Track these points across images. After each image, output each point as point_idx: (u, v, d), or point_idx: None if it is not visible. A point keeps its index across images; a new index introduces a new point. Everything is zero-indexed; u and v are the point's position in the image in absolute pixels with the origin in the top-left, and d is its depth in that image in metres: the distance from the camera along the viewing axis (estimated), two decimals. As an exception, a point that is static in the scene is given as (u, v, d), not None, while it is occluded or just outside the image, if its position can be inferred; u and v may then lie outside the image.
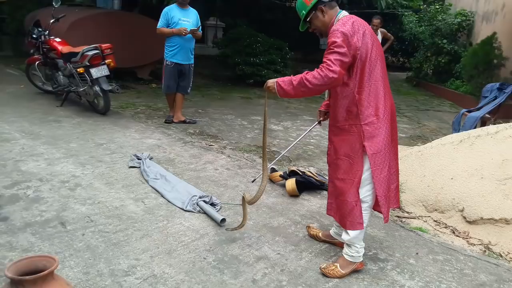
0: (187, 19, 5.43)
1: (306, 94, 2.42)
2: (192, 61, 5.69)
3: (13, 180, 3.49)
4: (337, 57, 2.27)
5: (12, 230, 2.75)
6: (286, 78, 2.44)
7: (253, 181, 3.05)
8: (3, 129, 4.75)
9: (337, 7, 2.53)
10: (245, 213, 2.89)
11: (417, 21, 12.53)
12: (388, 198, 2.52)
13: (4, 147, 4.19)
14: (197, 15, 5.58)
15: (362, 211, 2.51)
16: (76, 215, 3.02)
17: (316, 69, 2.32)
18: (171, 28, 5.39)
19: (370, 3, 9.41)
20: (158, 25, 5.48)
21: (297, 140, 3.36)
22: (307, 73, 2.35)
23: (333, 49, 2.29)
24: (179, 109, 5.87)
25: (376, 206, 2.61)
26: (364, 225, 2.55)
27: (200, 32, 5.54)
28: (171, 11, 5.46)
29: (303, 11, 2.54)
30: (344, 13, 2.50)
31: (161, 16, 5.47)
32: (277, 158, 3.41)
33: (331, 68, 2.26)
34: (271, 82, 2.50)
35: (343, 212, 2.55)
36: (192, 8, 5.60)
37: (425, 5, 13.61)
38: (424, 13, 12.40)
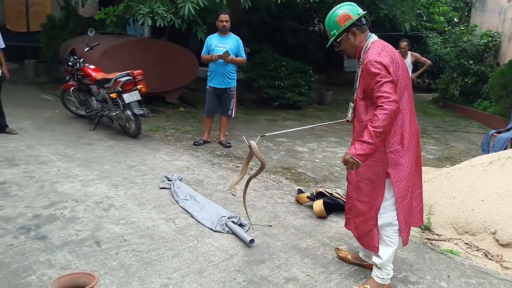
0: (223, 45, 5.60)
1: (385, 137, 2.34)
2: (231, 85, 5.81)
3: (51, 200, 3.64)
4: (390, 86, 2.26)
5: (51, 249, 2.86)
6: (357, 145, 2.31)
7: (261, 136, 3.12)
8: (40, 152, 4.97)
9: (368, 31, 2.53)
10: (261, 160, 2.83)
11: (442, 43, 12.51)
12: (408, 222, 2.55)
13: (42, 169, 4.38)
14: (237, 41, 5.72)
15: (392, 234, 2.55)
16: (110, 235, 3.12)
17: (375, 111, 2.27)
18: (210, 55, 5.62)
19: (394, 26, 9.48)
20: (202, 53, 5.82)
21: (287, 130, 3.41)
22: (371, 123, 2.27)
23: (381, 80, 2.27)
24: (221, 130, 6.10)
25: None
26: (395, 247, 2.57)
27: (235, 58, 5.66)
28: (210, 39, 5.75)
29: (335, 31, 2.51)
30: (374, 37, 2.50)
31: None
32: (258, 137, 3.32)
33: (390, 99, 2.22)
34: (350, 161, 2.33)
35: (361, 232, 2.63)
36: (233, 35, 5.77)
37: (449, 27, 13.59)
38: (449, 35, 12.38)
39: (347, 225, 2.82)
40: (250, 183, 3.13)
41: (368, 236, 2.57)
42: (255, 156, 2.83)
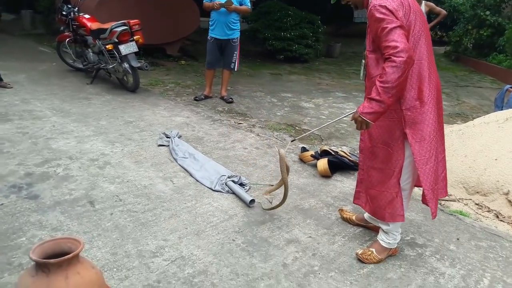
0: None
1: (398, 93, 2.06)
2: (234, 36, 5.50)
3: (44, 158, 3.51)
4: (399, 32, 1.98)
5: (42, 209, 2.75)
6: (366, 103, 2.09)
7: (292, 141, 3.12)
8: (35, 106, 4.79)
9: None
10: (285, 192, 2.78)
11: (457, -8, 11.87)
12: (436, 190, 2.29)
13: (36, 124, 4.22)
14: None
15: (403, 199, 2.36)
16: (104, 194, 3.00)
17: (384, 64, 2.02)
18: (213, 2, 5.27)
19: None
20: None
21: (328, 123, 3.19)
22: (379, 77, 2.04)
23: (387, 26, 1.99)
24: (223, 84, 5.84)
25: (423, 198, 2.43)
26: (404, 213, 2.40)
27: (239, 6, 5.32)
28: None
29: None
30: None
31: None
32: (304, 134, 3.27)
33: (398, 49, 1.95)
34: (358, 120, 2.14)
35: (380, 204, 2.40)
36: None
37: (466, -26, 12.84)
38: (465, -17, 11.71)
39: (356, 199, 2.63)
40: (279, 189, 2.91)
41: (390, 207, 2.35)
42: (280, 165, 2.74)
